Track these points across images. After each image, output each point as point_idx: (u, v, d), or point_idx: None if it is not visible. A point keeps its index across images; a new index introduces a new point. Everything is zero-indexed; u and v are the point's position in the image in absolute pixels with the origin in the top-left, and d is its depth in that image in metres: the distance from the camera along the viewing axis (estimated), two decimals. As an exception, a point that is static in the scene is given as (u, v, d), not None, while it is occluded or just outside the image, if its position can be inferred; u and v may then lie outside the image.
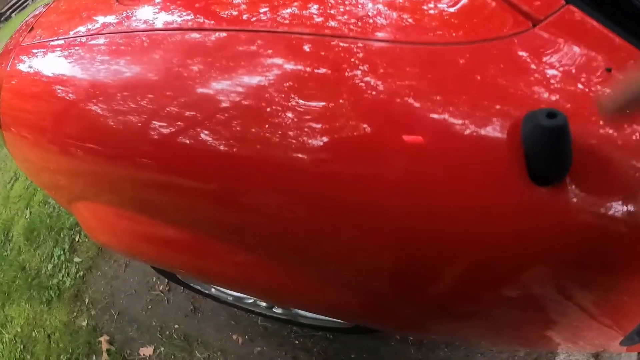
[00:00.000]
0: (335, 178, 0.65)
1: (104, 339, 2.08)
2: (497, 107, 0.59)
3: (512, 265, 0.68)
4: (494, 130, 0.59)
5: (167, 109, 0.71)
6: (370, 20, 0.68)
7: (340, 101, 0.63)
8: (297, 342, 1.89)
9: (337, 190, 0.66)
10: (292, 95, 0.65)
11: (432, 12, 0.68)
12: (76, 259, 2.27)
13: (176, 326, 2.02)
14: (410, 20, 0.67)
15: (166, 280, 2.08)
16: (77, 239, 2.32)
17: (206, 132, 0.69)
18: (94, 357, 2.07)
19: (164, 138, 0.72)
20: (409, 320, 0.94)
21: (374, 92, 0.63)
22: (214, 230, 0.85)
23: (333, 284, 0.85)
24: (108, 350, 2.05)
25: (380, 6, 0.69)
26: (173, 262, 1.06)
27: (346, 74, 0.64)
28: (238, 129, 0.67)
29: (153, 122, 0.72)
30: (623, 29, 0.61)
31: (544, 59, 0.61)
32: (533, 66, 0.61)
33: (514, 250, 0.65)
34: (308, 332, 1.89)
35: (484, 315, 0.85)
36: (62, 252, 2.31)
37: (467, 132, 0.60)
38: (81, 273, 2.24)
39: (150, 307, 2.08)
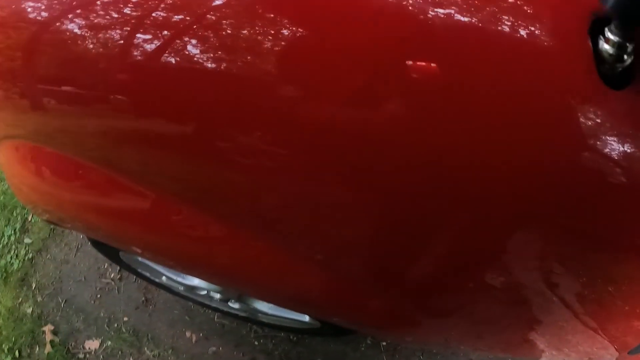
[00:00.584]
0: (318, 121, 0.58)
1: (48, 328, 1.91)
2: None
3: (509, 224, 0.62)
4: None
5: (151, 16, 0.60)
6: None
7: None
8: (256, 343, 1.74)
9: (321, 137, 0.58)
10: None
11: None
12: (26, 240, 2.10)
13: (125, 319, 1.86)
14: None
15: (118, 267, 1.91)
16: (29, 219, 2.15)
17: (192, 46, 0.59)
18: (37, 349, 1.90)
19: (146, 59, 0.61)
20: (380, 314, 0.87)
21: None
22: (181, 190, 0.76)
23: (301, 261, 0.78)
24: (52, 342, 1.89)
25: None
26: (121, 233, 0.95)
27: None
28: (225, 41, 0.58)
29: (136, 35, 0.62)
30: None
31: None
32: None
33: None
34: (269, 333, 1.74)
35: (463, 311, 0.81)
36: (12, 232, 2.14)
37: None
38: (30, 255, 2.06)
39: (99, 296, 1.91)
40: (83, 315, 1.91)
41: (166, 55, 0.60)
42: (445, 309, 0.83)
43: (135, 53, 0.61)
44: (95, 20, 0.63)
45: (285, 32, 0.57)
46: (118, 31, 0.62)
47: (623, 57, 0.51)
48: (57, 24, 0.65)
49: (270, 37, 0.56)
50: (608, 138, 0.55)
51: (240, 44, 0.57)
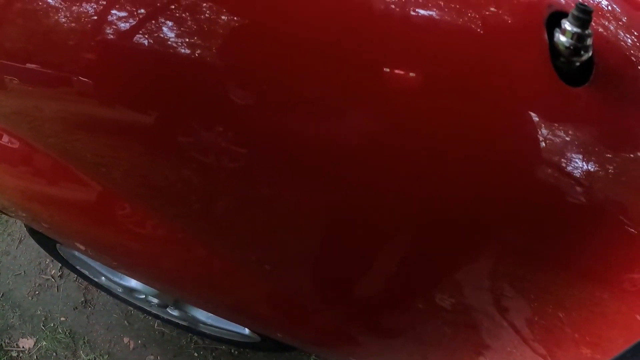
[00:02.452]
0: (277, 126, 0.55)
1: (-20, 322, 1.82)
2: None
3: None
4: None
5: None
6: None
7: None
8: (196, 354, 1.68)
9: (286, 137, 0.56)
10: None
11: None
12: (-34, 227, 2.01)
13: (62, 319, 1.78)
14: None
15: (59, 265, 1.82)
16: (-27, 206, 2.06)
17: (167, 28, 0.55)
18: (-32, 344, 1.80)
19: (116, 39, 0.58)
20: (325, 332, 0.85)
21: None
22: (132, 185, 0.72)
23: (246, 270, 0.75)
24: (-16, 337, 1.79)
25: None
26: (66, 225, 0.90)
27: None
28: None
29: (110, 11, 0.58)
30: None
31: None
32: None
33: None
34: (209, 344, 1.68)
35: (412, 332, 0.79)
36: (-48, 217, 2.05)
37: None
38: (-31, 243, 1.97)
39: (37, 292, 1.83)
40: (19, 312, 1.82)
41: (137, 37, 0.56)
42: (393, 329, 0.80)
43: (107, 31, 0.57)
44: None
45: (256, 32, 0.54)
46: (93, 5, 0.58)
47: (580, 50, 0.49)
48: None
49: (240, 35, 0.54)
50: (561, 143, 0.53)
51: (212, 37, 0.54)
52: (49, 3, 0.59)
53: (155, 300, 1.40)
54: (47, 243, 1.35)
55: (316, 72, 0.54)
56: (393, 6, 0.53)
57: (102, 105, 0.62)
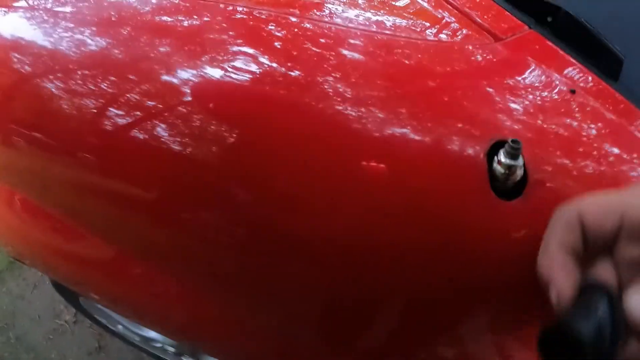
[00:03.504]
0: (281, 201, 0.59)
1: (-6, 365, 1.85)
2: (445, 98, 0.60)
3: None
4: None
5: (126, 96, 0.63)
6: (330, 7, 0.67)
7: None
8: (206, 401, 1.69)
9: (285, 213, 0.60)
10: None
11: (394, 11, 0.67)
12: (-18, 270, 2.06)
13: (76, 364, 1.81)
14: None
15: (74, 310, 1.87)
16: (-11, 250, 2.11)
17: (161, 128, 0.61)
18: (-20, 385, 1.82)
19: (116, 130, 0.63)
20: None
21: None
22: (141, 249, 0.75)
23: (256, 324, 0.76)
24: (-3, 379, 1.81)
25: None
26: (80, 279, 0.94)
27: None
28: (194, 130, 0.60)
29: (109, 108, 0.64)
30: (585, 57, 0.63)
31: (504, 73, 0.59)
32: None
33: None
34: (219, 391, 1.69)
35: None
36: (-31, 261, 2.10)
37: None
38: (-15, 286, 2.02)
39: (52, 337, 1.86)
40: (34, 354, 1.85)
41: (135, 131, 0.62)
42: None
43: (105, 123, 0.63)
44: (72, 87, 0.65)
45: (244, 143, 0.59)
46: (92, 100, 0.64)
47: (512, 176, 0.58)
48: (37, 80, 0.68)
49: (233, 136, 0.59)
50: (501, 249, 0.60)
51: (205, 135, 0.60)
52: (52, 92, 0.66)
53: (172, 349, 1.44)
54: (70, 295, 1.40)
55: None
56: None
57: (104, 179, 0.67)
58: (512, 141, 0.56)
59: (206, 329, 0.83)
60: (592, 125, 0.63)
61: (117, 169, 0.66)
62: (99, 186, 0.69)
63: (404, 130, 0.58)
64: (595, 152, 0.61)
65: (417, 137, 0.59)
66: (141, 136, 0.62)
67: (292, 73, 0.59)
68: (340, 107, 0.57)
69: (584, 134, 0.62)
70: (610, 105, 0.65)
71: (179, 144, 0.60)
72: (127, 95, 0.63)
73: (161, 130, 0.61)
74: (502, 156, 0.57)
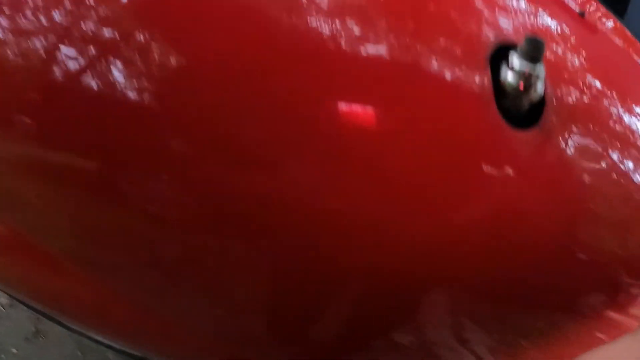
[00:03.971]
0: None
1: None
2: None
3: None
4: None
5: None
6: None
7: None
8: (153, 386, 1.59)
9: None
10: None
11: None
12: None
13: (14, 350, 1.69)
14: None
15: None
16: None
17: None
18: None
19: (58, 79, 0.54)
20: None
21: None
22: (68, 245, 0.69)
23: (200, 326, 0.73)
24: None
25: None
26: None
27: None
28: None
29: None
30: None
31: None
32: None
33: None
34: (167, 376, 1.59)
35: None
36: None
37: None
38: None
39: (-15, 322, 1.74)
40: (-36, 342, 1.73)
41: (85, 75, 0.53)
42: None
43: (54, 67, 0.54)
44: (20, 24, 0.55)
45: (196, 78, 0.52)
46: (41, 40, 0.54)
47: (530, 90, 0.45)
48: None
49: (179, 82, 0.52)
50: (506, 187, 0.51)
51: (154, 82, 0.52)
52: None
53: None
54: None
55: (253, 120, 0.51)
56: (328, 41, 0.50)
57: (44, 147, 0.59)
58: (530, 39, 0.42)
59: (133, 325, 0.78)
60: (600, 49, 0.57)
61: (58, 129, 0.57)
62: (36, 155, 0.60)
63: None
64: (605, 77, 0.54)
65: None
66: (91, 82, 0.53)
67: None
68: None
69: (595, 56, 0.54)
70: (618, 35, 0.60)
71: (131, 92, 0.52)
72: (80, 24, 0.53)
73: (113, 73, 0.52)
74: (515, 60, 0.44)
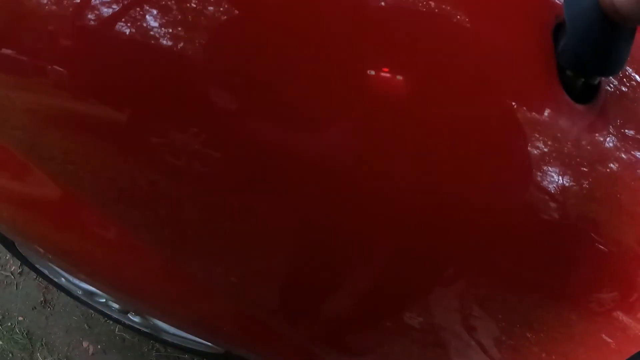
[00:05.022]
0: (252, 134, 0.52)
1: None
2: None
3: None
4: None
5: None
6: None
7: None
8: (157, 362, 1.60)
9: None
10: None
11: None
12: None
13: (20, 318, 1.70)
14: None
15: (20, 262, 1.75)
16: None
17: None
18: None
19: (93, 28, 0.53)
20: (291, 351, 0.82)
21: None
22: (97, 189, 0.67)
23: (212, 286, 0.72)
24: None
25: None
26: (23, 224, 0.84)
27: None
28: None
29: None
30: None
31: None
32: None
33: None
34: (171, 353, 1.62)
35: (379, 351, 0.77)
36: None
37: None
38: None
39: (-5, 289, 1.75)
40: (-26, 308, 1.74)
41: (120, 24, 0.52)
42: (360, 348, 0.79)
43: (88, 17, 0.53)
44: None
45: (243, 31, 0.51)
46: None
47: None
48: None
49: (225, 33, 0.51)
50: (549, 159, 0.51)
51: (197, 32, 0.51)
52: None
53: (116, 306, 1.34)
54: (5, 239, 1.29)
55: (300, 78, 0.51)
56: (385, 8, 0.50)
57: (75, 98, 0.58)
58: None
59: (156, 285, 0.77)
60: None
61: (90, 80, 0.56)
62: (67, 107, 0.59)
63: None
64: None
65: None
66: (126, 31, 0.52)
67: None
68: None
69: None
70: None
71: (166, 42, 0.51)
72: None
73: (149, 23, 0.51)
74: None
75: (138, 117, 0.56)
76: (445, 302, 0.64)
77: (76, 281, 1.35)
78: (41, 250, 0.95)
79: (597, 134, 0.52)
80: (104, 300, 1.37)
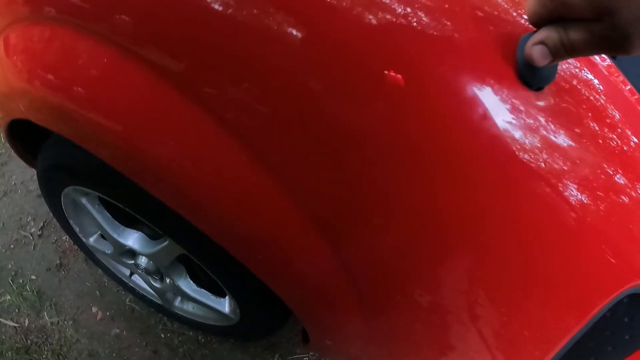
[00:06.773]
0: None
1: (-54, 268, 1.74)
2: None
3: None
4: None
5: None
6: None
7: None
8: (163, 335, 1.65)
9: None
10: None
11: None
12: (-49, 174, 1.96)
13: (33, 277, 1.74)
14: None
15: (41, 223, 1.80)
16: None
17: None
18: None
19: None
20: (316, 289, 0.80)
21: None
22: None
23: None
24: (-53, 284, 1.71)
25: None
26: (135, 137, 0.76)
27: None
28: None
29: None
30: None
31: None
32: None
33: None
34: (178, 328, 1.66)
35: (385, 323, 0.81)
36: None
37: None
38: (-47, 189, 1.92)
39: (12, 246, 1.79)
40: (-11, 262, 1.76)
41: None
42: (371, 312, 0.80)
43: None
44: None
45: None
46: None
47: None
48: None
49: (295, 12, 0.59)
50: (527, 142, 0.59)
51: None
52: None
53: (143, 264, 1.33)
54: (55, 186, 1.22)
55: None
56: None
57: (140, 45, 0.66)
58: None
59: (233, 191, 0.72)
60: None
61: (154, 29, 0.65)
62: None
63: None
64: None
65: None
66: None
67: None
68: None
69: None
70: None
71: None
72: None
73: None
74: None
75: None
76: (456, 284, 0.68)
77: (114, 235, 1.28)
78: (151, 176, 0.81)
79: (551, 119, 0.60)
80: (133, 261, 1.37)
